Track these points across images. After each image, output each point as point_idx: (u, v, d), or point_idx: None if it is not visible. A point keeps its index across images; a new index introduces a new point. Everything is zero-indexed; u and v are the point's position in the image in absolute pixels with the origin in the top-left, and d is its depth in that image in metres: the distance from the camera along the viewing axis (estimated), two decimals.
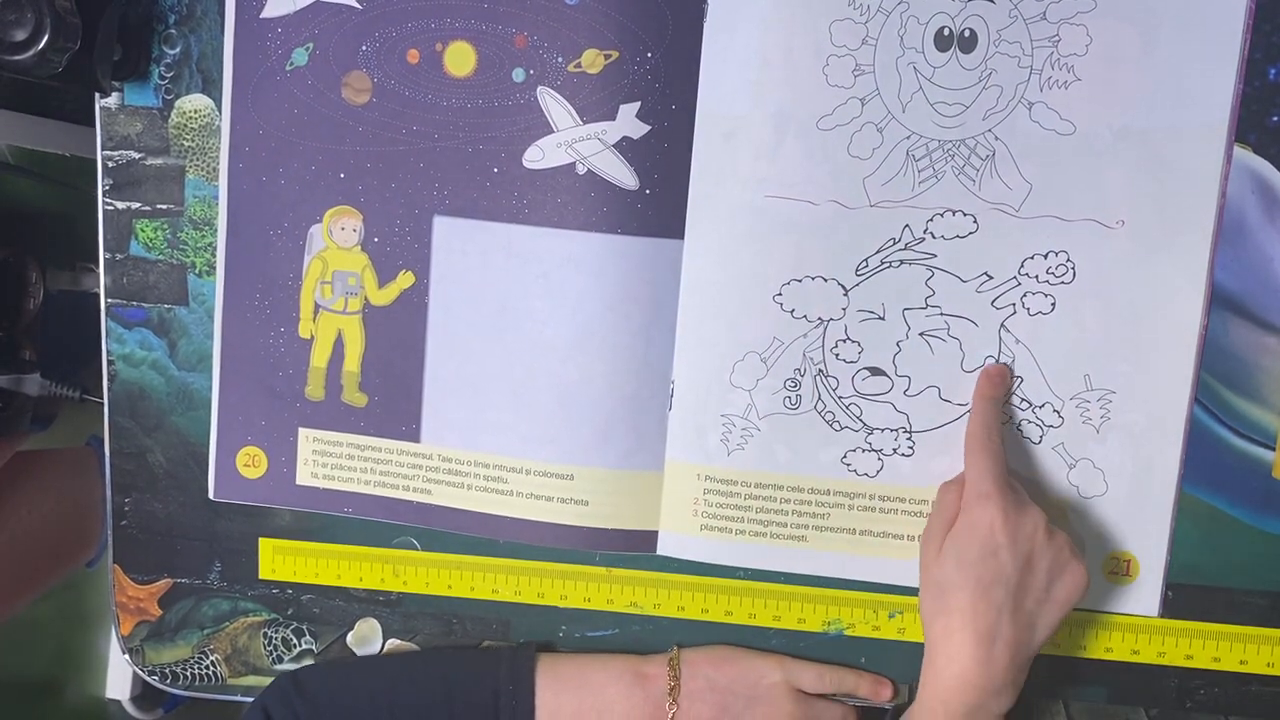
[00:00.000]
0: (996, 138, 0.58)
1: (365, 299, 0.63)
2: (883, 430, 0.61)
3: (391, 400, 0.64)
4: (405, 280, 0.63)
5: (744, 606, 0.65)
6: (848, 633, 0.65)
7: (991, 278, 0.59)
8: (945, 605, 0.55)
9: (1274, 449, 0.60)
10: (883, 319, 0.60)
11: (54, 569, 0.93)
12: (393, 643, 0.69)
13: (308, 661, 0.69)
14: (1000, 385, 0.60)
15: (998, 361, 0.60)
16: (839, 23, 0.57)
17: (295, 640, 0.69)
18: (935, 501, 0.60)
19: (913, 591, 0.63)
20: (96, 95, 0.64)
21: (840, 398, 0.61)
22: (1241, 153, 0.57)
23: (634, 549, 0.64)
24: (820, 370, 0.61)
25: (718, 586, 0.65)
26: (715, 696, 0.63)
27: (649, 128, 0.60)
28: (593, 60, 0.59)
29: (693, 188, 0.60)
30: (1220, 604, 0.62)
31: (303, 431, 0.65)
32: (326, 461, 0.65)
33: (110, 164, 0.65)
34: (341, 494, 0.66)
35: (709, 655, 0.65)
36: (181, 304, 0.66)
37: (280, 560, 0.68)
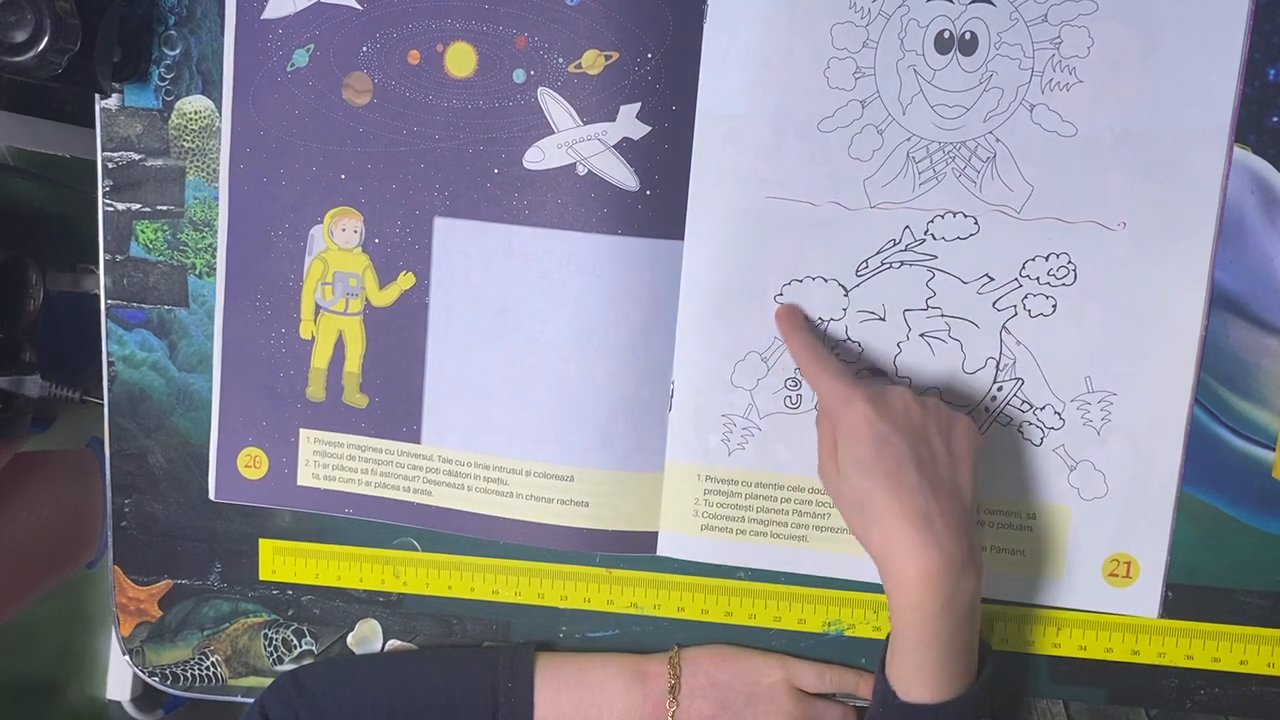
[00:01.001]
0: (998, 139, 0.58)
1: (366, 300, 0.63)
2: None
3: (392, 401, 0.64)
4: (406, 281, 0.63)
5: (744, 607, 0.65)
6: (848, 633, 0.65)
7: (992, 279, 0.59)
8: (870, 514, 0.53)
9: (1274, 449, 0.60)
10: (883, 320, 0.60)
11: (54, 570, 0.93)
12: (393, 643, 0.69)
13: (308, 662, 0.69)
14: (796, 315, 0.60)
15: (999, 364, 0.60)
16: (840, 25, 0.57)
17: (295, 641, 0.69)
18: (817, 439, 0.58)
19: None
20: (96, 96, 0.64)
21: None
22: (1241, 153, 0.57)
23: (634, 550, 0.64)
24: None
25: (718, 587, 0.65)
26: (716, 694, 0.63)
27: (649, 129, 0.60)
28: (593, 61, 0.59)
29: (693, 188, 0.60)
30: (1220, 604, 0.62)
31: (304, 432, 0.65)
32: (327, 462, 0.65)
33: (110, 165, 0.65)
34: (342, 495, 0.66)
35: (710, 653, 0.65)
36: (182, 305, 0.66)
37: (280, 561, 0.68)
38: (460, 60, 0.60)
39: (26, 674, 0.97)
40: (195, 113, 0.64)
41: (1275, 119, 0.57)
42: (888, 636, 0.56)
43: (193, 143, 0.64)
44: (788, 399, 0.61)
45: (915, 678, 0.53)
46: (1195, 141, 0.57)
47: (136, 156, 0.65)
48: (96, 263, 0.66)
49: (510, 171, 0.61)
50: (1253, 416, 0.60)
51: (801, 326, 0.60)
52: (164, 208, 0.65)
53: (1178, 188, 0.57)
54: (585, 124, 0.60)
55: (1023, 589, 0.62)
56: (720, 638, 0.66)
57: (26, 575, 0.88)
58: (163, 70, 0.64)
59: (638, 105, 0.59)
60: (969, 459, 0.54)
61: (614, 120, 0.60)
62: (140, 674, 0.71)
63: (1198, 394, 0.59)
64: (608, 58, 0.59)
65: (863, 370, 0.61)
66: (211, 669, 0.70)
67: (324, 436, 0.65)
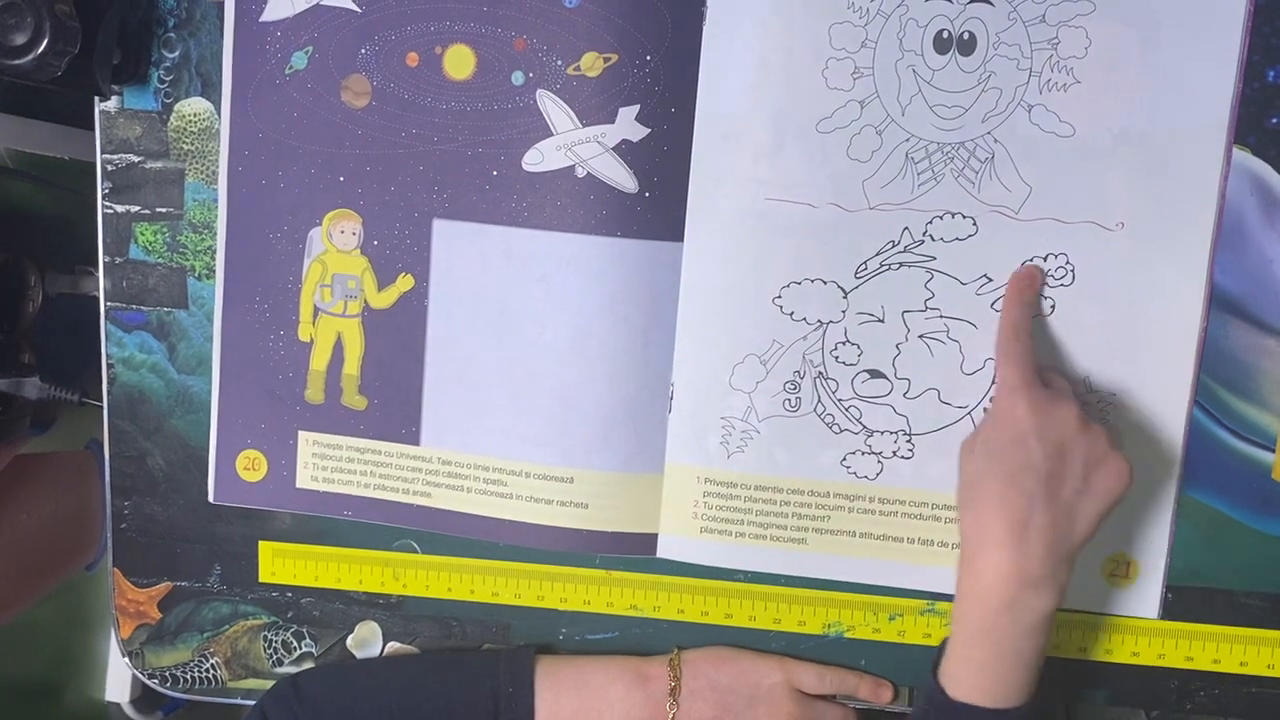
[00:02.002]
0: (996, 140, 0.58)
1: (365, 302, 0.63)
2: (882, 433, 0.61)
3: (391, 403, 0.64)
4: (405, 283, 0.63)
5: (744, 609, 0.65)
6: (848, 635, 0.65)
7: (991, 280, 0.59)
8: (975, 496, 0.53)
9: (1274, 451, 0.60)
10: (882, 321, 0.60)
11: (54, 572, 0.93)
12: (393, 645, 0.69)
13: (308, 664, 0.69)
14: (1031, 287, 0.59)
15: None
16: (838, 25, 0.57)
17: (295, 643, 0.69)
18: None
19: (911, 594, 0.63)
20: (96, 99, 0.64)
21: (840, 400, 0.61)
22: (1241, 155, 0.57)
23: (634, 551, 0.64)
24: (820, 373, 0.61)
25: (718, 589, 0.65)
26: (716, 696, 0.63)
27: (648, 130, 0.60)
28: (592, 63, 0.59)
29: (692, 190, 0.60)
30: (1220, 606, 0.62)
31: (302, 434, 0.65)
32: (326, 464, 0.65)
33: (110, 167, 0.65)
34: (341, 497, 0.66)
35: (710, 655, 0.65)
36: (181, 307, 0.66)
37: (280, 563, 0.68)
38: (459, 62, 0.60)
39: (26, 676, 0.97)
40: (195, 115, 0.64)
41: (1275, 121, 0.57)
42: (942, 642, 0.56)
43: (192, 145, 0.64)
44: (786, 402, 0.61)
45: (965, 674, 0.53)
46: (1193, 141, 0.57)
47: (136, 159, 0.65)
48: (96, 265, 0.66)
49: (509, 174, 0.61)
50: (1253, 418, 0.60)
51: (1027, 303, 0.58)
52: (163, 210, 0.65)
53: (1175, 188, 0.57)
54: (584, 126, 0.60)
55: None
56: (720, 640, 0.66)
57: (26, 577, 0.88)
58: (162, 72, 0.64)
59: (636, 107, 0.59)
60: (1102, 497, 0.53)
61: (613, 122, 0.60)
62: (140, 676, 0.71)
63: (1198, 396, 0.59)
64: (606, 60, 0.59)
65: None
66: (211, 671, 0.70)
67: (323, 439, 0.65)
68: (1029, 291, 0.59)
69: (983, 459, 0.54)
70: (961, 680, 0.53)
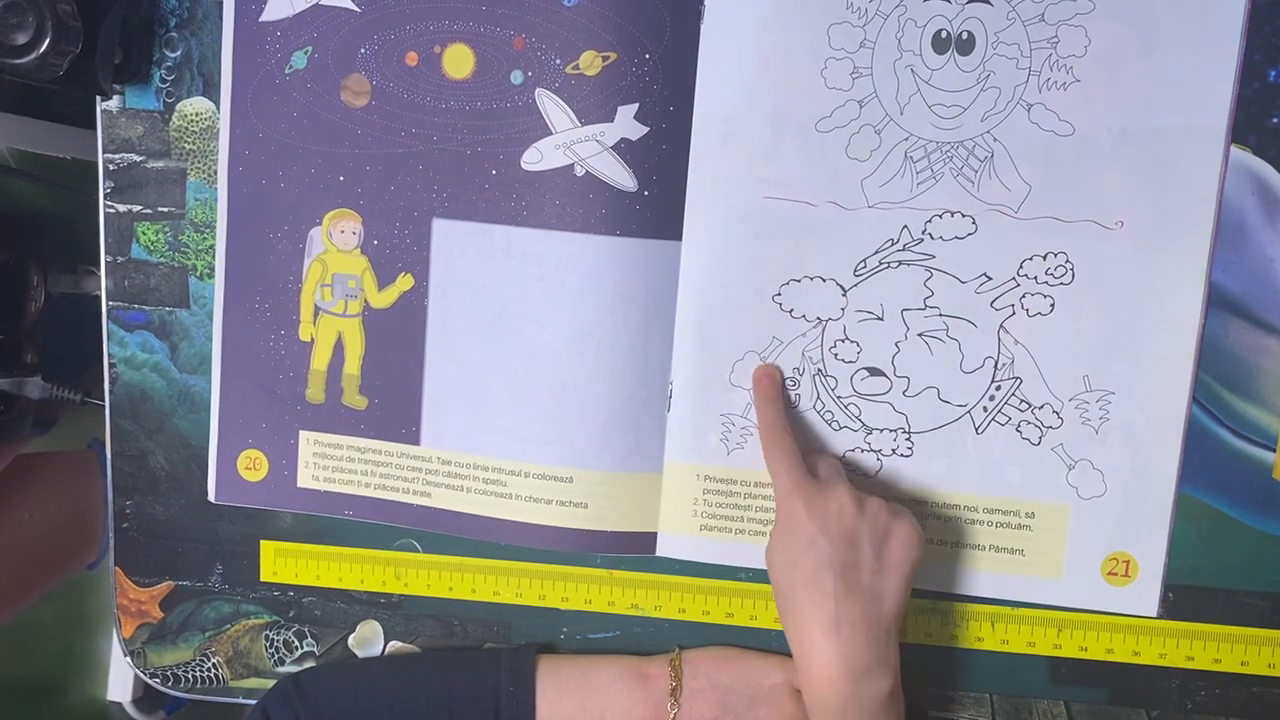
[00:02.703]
0: (995, 139, 0.58)
1: (365, 302, 0.64)
2: (881, 430, 0.61)
3: (391, 403, 0.64)
4: (404, 283, 0.63)
5: (745, 609, 0.65)
6: None
7: (990, 279, 0.59)
8: (787, 609, 0.55)
9: (1274, 450, 0.60)
10: (881, 319, 0.60)
11: (55, 571, 0.93)
12: (394, 645, 0.69)
13: (309, 664, 0.69)
14: (771, 385, 0.60)
15: (997, 363, 0.60)
16: (837, 25, 0.58)
17: (297, 643, 0.69)
18: None
19: (915, 594, 0.63)
20: (98, 98, 0.64)
21: (839, 397, 0.61)
22: (1241, 154, 0.57)
23: (633, 551, 0.64)
24: (819, 370, 0.61)
25: (719, 588, 0.65)
26: (717, 696, 0.63)
27: (647, 129, 0.60)
28: (590, 62, 0.59)
29: (691, 189, 0.60)
30: (1221, 605, 0.62)
31: (303, 434, 0.65)
32: (327, 464, 0.65)
33: (111, 167, 0.65)
34: (342, 496, 0.66)
35: (711, 655, 0.65)
36: (183, 307, 0.66)
37: (282, 562, 0.68)
38: (458, 62, 0.61)
39: (28, 675, 0.97)
40: (196, 114, 0.64)
41: (1275, 120, 0.57)
42: None
43: (194, 144, 0.64)
44: (785, 398, 0.61)
45: None
46: (1192, 140, 0.57)
47: (137, 158, 0.65)
48: (98, 264, 0.66)
49: (508, 173, 0.61)
50: (1253, 417, 0.60)
51: (773, 400, 0.60)
52: (165, 209, 0.65)
53: (1175, 187, 0.57)
54: (583, 125, 0.60)
55: (1022, 588, 0.62)
56: (722, 639, 0.66)
57: (28, 576, 0.89)
58: (164, 72, 0.64)
59: (635, 106, 0.59)
60: (899, 568, 0.55)
61: (612, 121, 0.60)
62: (141, 675, 0.71)
63: (1198, 395, 0.59)
64: (605, 59, 0.59)
65: (862, 374, 0.60)
66: (213, 670, 0.70)
67: (323, 438, 0.65)
68: (770, 390, 0.60)
69: (784, 571, 0.55)
70: None
